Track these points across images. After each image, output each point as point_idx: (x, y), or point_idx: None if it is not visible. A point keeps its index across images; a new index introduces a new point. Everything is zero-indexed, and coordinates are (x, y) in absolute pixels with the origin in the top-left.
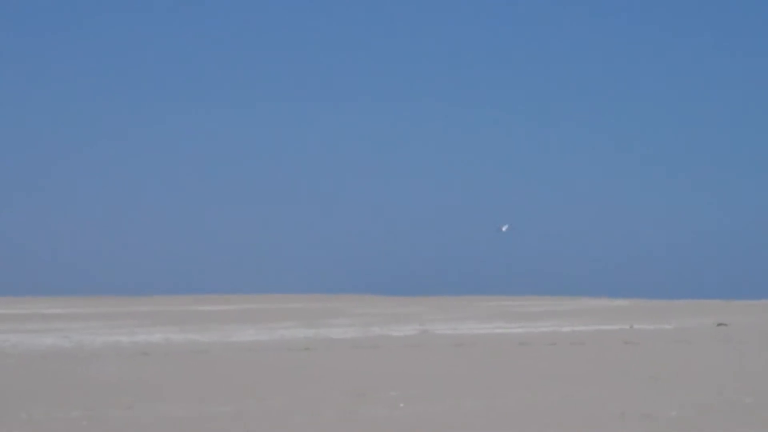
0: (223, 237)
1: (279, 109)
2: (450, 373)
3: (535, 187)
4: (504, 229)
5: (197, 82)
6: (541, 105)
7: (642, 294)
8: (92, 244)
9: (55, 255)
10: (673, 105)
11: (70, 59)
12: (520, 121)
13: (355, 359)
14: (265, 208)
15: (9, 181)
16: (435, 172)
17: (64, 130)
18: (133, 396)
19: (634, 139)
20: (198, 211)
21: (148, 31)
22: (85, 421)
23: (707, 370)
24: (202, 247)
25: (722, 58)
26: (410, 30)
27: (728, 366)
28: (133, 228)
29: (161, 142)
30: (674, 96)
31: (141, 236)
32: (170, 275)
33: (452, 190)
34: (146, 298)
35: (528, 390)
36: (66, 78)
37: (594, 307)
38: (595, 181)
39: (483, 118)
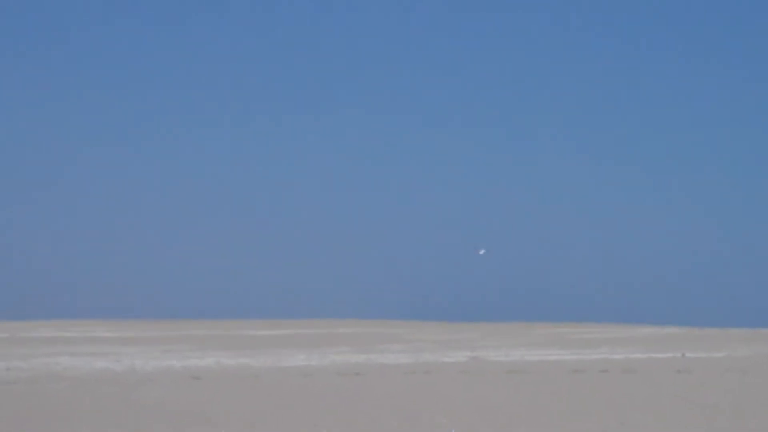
0: (276, 262)
1: (331, 128)
2: (502, 400)
3: (587, 213)
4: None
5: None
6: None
7: (694, 322)
8: (146, 268)
9: (107, 278)
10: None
11: (76, 65)
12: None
13: (407, 385)
14: (319, 233)
15: (60, 206)
16: (488, 199)
17: (114, 159)
18: (183, 420)
19: (685, 165)
20: (251, 237)
21: (150, 41)
22: None
23: (764, 400)
24: (255, 271)
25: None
26: (416, 34)
27: None
28: (187, 252)
29: (214, 169)
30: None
31: (195, 261)
32: (223, 299)
33: (504, 217)
34: (198, 322)
35: (581, 419)
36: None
37: (645, 335)
38: (645, 207)
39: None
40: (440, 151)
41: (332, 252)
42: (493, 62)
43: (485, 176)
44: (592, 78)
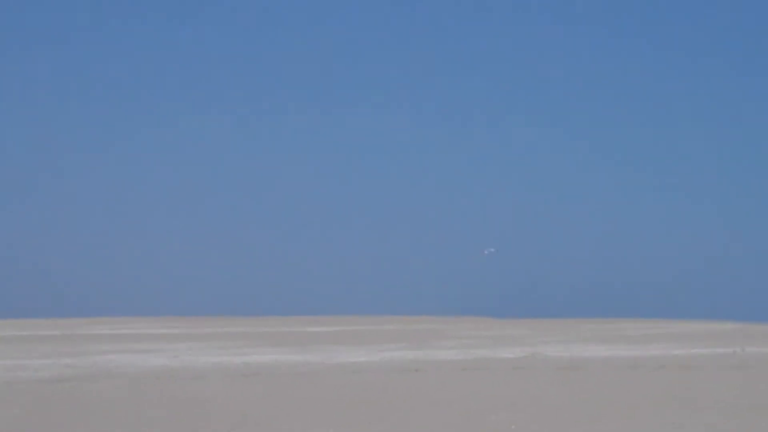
0: (331, 257)
1: (380, 126)
2: (559, 396)
3: (640, 208)
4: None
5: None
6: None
7: (750, 317)
8: (197, 265)
9: (159, 275)
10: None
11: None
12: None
13: (463, 381)
14: (373, 229)
15: (109, 204)
16: (543, 192)
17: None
18: (238, 416)
19: (734, 158)
20: (305, 232)
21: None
22: None
23: None
24: (310, 267)
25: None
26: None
27: None
28: (242, 249)
29: (269, 166)
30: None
31: (250, 257)
32: (278, 296)
33: (557, 212)
34: (253, 319)
35: (637, 415)
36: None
37: (701, 330)
38: (697, 202)
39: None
40: (475, 146)
41: (384, 247)
42: (504, 62)
43: (533, 170)
44: (607, 78)
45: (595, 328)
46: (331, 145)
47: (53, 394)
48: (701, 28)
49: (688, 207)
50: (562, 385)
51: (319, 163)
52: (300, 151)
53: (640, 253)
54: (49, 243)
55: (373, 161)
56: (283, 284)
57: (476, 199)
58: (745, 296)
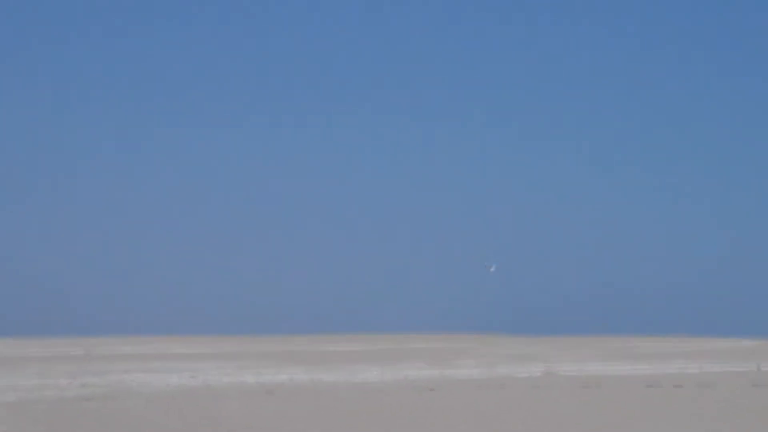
0: (346, 277)
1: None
2: (577, 414)
3: (658, 229)
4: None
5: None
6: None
7: (767, 334)
8: (219, 285)
9: (181, 295)
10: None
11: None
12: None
13: (480, 400)
14: (392, 248)
15: (137, 225)
16: (560, 211)
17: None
18: None
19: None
20: (325, 251)
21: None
22: None
23: None
24: (328, 286)
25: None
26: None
27: None
28: (263, 269)
29: (293, 182)
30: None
31: (271, 277)
32: (296, 315)
33: (578, 232)
34: (270, 338)
35: None
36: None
37: (719, 347)
38: (715, 222)
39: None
40: (494, 166)
41: (401, 266)
42: (517, 65)
43: (550, 190)
44: (629, 85)
45: (612, 345)
46: (349, 164)
47: (77, 412)
48: (703, 29)
49: (705, 226)
50: (580, 404)
51: (339, 180)
52: (321, 171)
53: (656, 271)
54: (71, 264)
55: (393, 177)
56: (303, 303)
57: (495, 219)
58: (762, 313)
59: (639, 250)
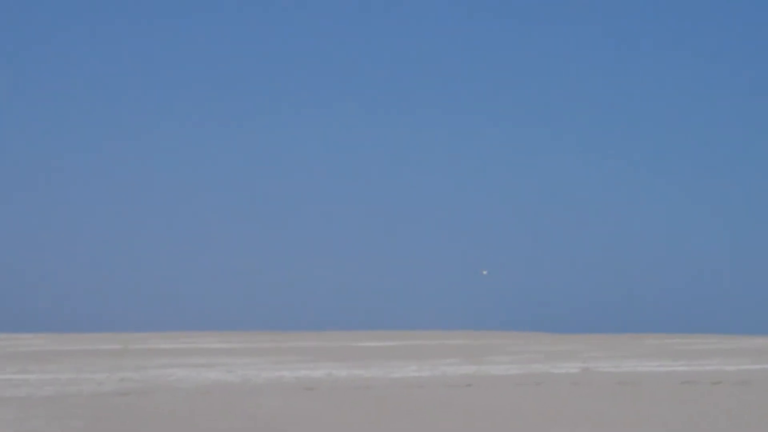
0: (384, 273)
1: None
2: (614, 411)
3: (694, 225)
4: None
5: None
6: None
7: None
8: (254, 280)
9: (217, 290)
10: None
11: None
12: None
13: (518, 396)
14: (426, 244)
15: (170, 218)
16: (593, 209)
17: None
18: (296, 430)
19: None
20: (358, 247)
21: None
22: None
23: None
24: (364, 283)
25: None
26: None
27: None
28: (295, 264)
29: (333, 181)
30: None
31: (303, 272)
32: (333, 311)
33: (610, 228)
34: (307, 334)
35: (692, 431)
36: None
37: (758, 345)
38: (753, 220)
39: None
40: (528, 171)
41: (437, 263)
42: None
43: (587, 188)
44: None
45: (648, 343)
46: (380, 157)
47: (114, 407)
48: (707, 28)
49: (742, 222)
50: (617, 400)
51: (369, 175)
52: (350, 165)
53: (693, 268)
54: (108, 260)
55: (426, 170)
56: (337, 299)
57: (526, 216)
58: None
59: (673, 248)
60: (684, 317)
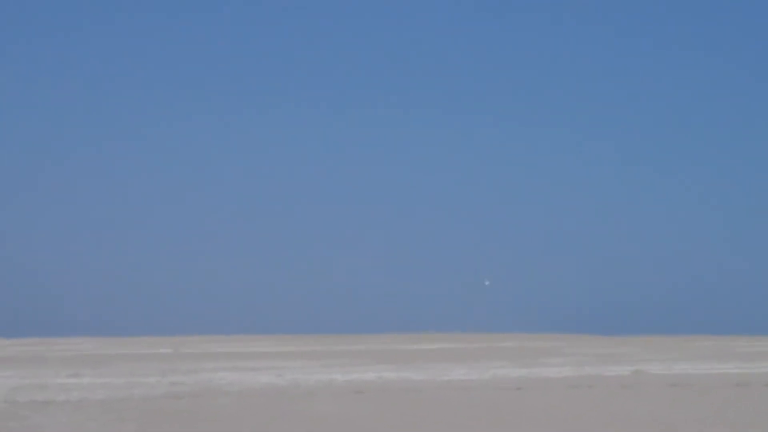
0: (433, 277)
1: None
2: (667, 414)
3: (746, 227)
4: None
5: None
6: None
7: None
8: (303, 284)
9: (266, 295)
10: None
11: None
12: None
13: (569, 399)
14: (478, 248)
15: (225, 226)
16: (642, 212)
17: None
18: None
19: None
20: (406, 251)
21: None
22: None
23: None
24: (412, 286)
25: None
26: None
27: None
28: (350, 268)
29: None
30: None
31: (350, 276)
32: (382, 314)
33: (662, 230)
34: (355, 337)
35: None
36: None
37: None
38: None
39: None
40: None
41: (491, 267)
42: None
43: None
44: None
45: (700, 345)
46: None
47: (166, 410)
48: (717, 27)
49: None
50: (669, 402)
51: (409, 182)
52: (400, 164)
53: (746, 271)
54: (162, 265)
55: (466, 180)
56: (386, 302)
57: (582, 222)
58: None
59: (725, 251)
60: (734, 319)
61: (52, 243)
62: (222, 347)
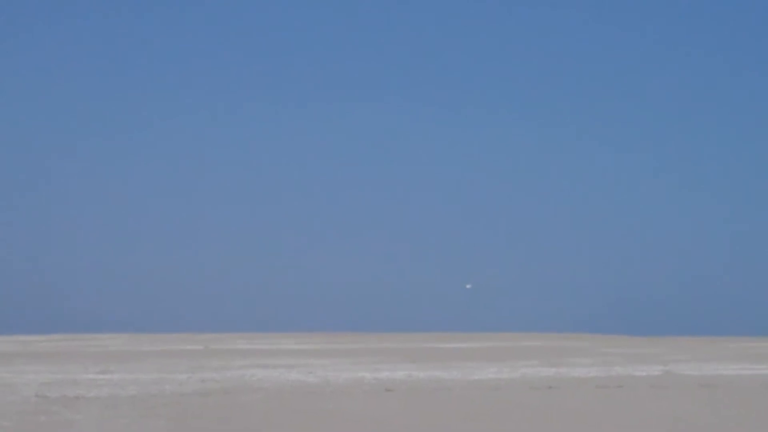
0: (461, 274)
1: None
2: (697, 414)
3: None
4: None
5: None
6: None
7: None
8: (332, 282)
9: (295, 292)
10: None
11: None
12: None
13: (599, 399)
14: (509, 246)
15: (257, 225)
16: (680, 211)
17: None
18: (377, 431)
19: None
20: (435, 248)
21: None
22: None
23: None
24: (441, 284)
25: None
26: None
27: None
28: (378, 266)
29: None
30: None
31: (386, 274)
32: (410, 312)
33: (691, 230)
34: (383, 335)
35: None
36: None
37: None
38: None
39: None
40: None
41: (517, 266)
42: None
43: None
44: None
45: (730, 346)
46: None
47: (196, 406)
48: (729, 25)
49: None
50: (699, 403)
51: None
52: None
53: None
54: (190, 261)
55: (503, 178)
56: (414, 301)
57: (611, 222)
58: None
59: (754, 251)
60: (763, 321)
61: (84, 240)
62: (251, 344)
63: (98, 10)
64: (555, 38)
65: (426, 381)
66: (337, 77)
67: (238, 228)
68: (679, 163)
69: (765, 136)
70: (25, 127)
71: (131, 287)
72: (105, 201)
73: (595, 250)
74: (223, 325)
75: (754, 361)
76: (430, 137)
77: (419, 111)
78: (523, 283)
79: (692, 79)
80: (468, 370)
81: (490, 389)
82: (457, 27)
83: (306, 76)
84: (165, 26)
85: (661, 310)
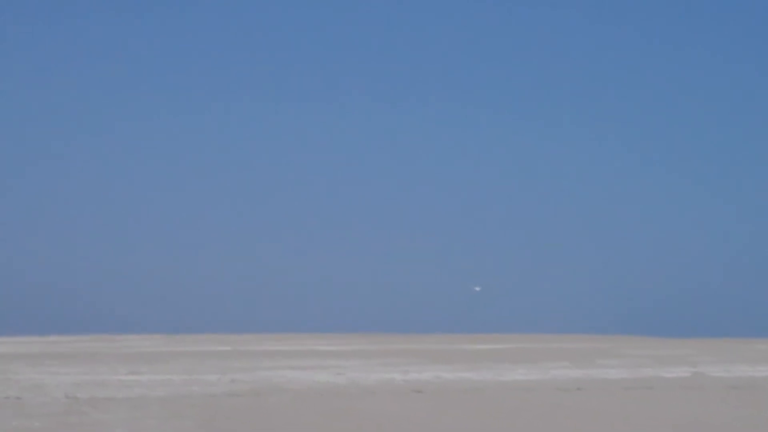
0: (491, 276)
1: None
2: (727, 416)
3: None
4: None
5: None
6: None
7: None
8: (359, 282)
9: (323, 293)
10: None
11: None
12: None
13: (629, 401)
14: (540, 248)
15: (283, 225)
16: (709, 213)
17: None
18: None
19: None
20: (466, 250)
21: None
22: None
23: None
24: (466, 286)
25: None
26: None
27: None
28: (406, 267)
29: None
30: None
31: (406, 275)
32: (439, 313)
33: (719, 231)
34: (414, 336)
35: None
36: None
37: None
38: None
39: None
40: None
41: (547, 268)
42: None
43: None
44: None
45: (760, 348)
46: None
47: (224, 408)
48: (713, 25)
49: None
50: (729, 405)
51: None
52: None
53: None
54: (217, 262)
55: (523, 179)
56: (441, 302)
57: (639, 224)
58: None
59: None
60: None
61: (112, 240)
62: (279, 345)
63: (98, 10)
64: (555, 38)
65: (455, 382)
66: (337, 77)
67: (266, 230)
68: (694, 161)
69: None
70: (28, 126)
71: (158, 289)
72: (136, 203)
73: (621, 251)
74: (250, 326)
75: None
76: (434, 137)
77: (423, 111)
78: (549, 285)
79: (696, 80)
80: (497, 371)
81: (521, 390)
82: (458, 27)
83: (306, 76)
84: (165, 26)
85: (688, 312)
